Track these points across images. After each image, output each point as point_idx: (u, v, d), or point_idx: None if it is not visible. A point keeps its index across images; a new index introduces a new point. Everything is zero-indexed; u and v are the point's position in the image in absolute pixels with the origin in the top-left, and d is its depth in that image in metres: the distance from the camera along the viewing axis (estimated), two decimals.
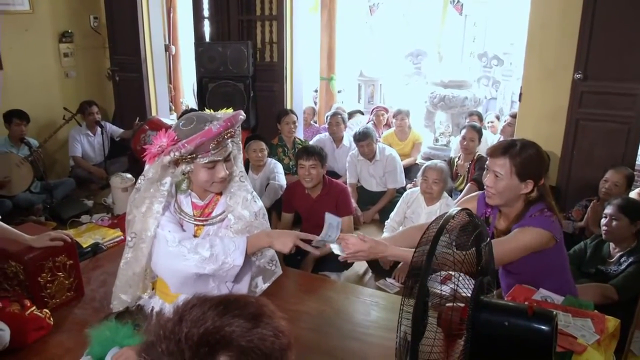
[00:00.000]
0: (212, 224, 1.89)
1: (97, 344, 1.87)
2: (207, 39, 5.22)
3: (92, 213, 4.55)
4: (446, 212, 1.24)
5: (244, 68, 4.67)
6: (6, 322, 2.21)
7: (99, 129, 5.30)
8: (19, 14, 5.10)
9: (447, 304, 1.29)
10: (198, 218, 1.88)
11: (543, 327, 1.15)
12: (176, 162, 1.73)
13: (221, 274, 1.80)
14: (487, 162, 2.06)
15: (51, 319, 2.36)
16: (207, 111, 1.82)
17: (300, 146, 4.74)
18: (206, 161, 1.70)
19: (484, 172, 2.18)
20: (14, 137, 4.72)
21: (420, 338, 1.16)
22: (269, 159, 4.12)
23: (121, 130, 5.54)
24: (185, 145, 1.63)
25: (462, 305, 1.28)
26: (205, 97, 4.80)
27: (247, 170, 4.14)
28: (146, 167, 1.76)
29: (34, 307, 2.35)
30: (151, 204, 1.82)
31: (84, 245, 3.35)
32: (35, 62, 5.33)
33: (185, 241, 1.80)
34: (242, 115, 1.78)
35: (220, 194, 1.89)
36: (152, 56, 5.70)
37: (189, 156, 1.70)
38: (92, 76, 5.93)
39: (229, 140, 1.76)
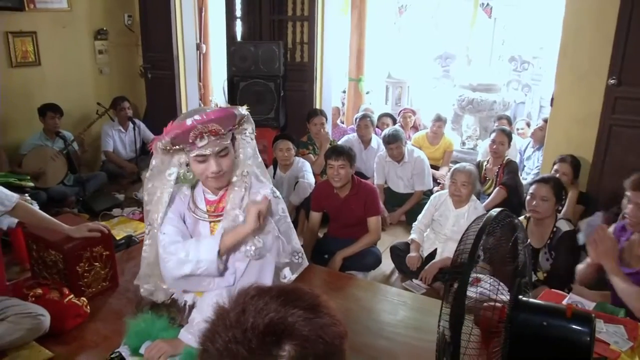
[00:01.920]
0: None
1: (134, 335, 1.92)
2: (239, 38, 5.29)
3: (123, 207, 4.65)
4: (487, 213, 1.25)
5: (275, 67, 4.71)
6: (46, 308, 2.29)
7: (131, 126, 5.39)
8: (57, 11, 5.23)
9: (485, 304, 1.30)
10: (212, 214, 1.90)
11: (582, 328, 1.15)
12: (169, 152, 1.79)
13: (203, 272, 1.80)
14: (628, 193, 2.30)
15: (88, 307, 2.44)
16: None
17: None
18: (195, 154, 1.73)
19: (624, 200, 2.47)
20: (49, 131, 4.83)
21: (454, 338, 1.18)
22: (297, 158, 4.16)
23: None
24: (164, 136, 1.71)
25: (500, 304, 1.29)
26: (236, 95, 4.86)
27: (275, 169, 4.21)
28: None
29: (72, 295, 2.43)
30: (162, 194, 1.90)
31: (117, 238, 3.44)
32: (71, 59, 5.46)
33: (170, 245, 1.83)
34: (236, 111, 1.75)
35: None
36: (183, 54, 5.79)
37: (176, 147, 1.75)
38: (125, 73, 6.05)
39: (223, 135, 1.71)
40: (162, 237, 1.86)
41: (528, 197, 3.09)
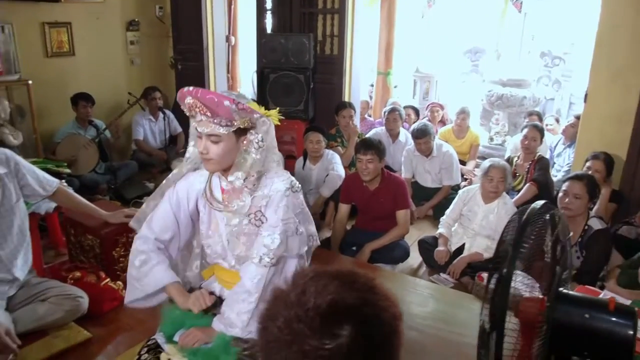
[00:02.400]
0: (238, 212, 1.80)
1: (169, 322, 1.93)
2: (269, 31, 5.31)
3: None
4: (530, 205, 1.25)
5: (305, 60, 4.72)
6: (84, 291, 2.36)
7: (161, 115, 5.48)
8: (91, 3, 5.33)
9: (525, 295, 1.31)
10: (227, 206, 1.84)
11: (625, 321, 1.15)
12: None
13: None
14: None
15: (123, 291, 2.49)
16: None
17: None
18: (194, 126, 1.73)
19: None
20: (81, 119, 4.93)
21: (497, 327, 1.18)
22: (327, 150, 4.17)
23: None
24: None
25: (540, 297, 1.29)
26: (266, 87, 4.89)
27: (305, 160, 4.23)
28: None
29: (108, 279, 2.50)
30: (179, 170, 1.95)
31: None
32: (104, 49, 5.55)
33: (139, 254, 1.90)
34: (233, 106, 1.63)
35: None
36: (213, 46, 5.84)
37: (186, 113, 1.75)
38: (155, 64, 6.13)
39: (215, 119, 1.66)
40: (145, 232, 1.91)
41: (560, 194, 3.06)
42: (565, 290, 1.26)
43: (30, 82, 4.28)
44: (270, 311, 0.78)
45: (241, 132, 1.73)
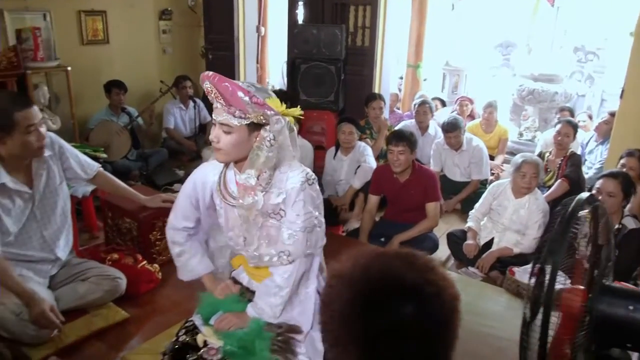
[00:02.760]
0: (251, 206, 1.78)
1: (206, 306, 1.98)
2: (300, 21, 5.32)
3: (184, 182, 4.79)
4: (576, 196, 1.25)
5: (336, 51, 4.73)
6: (122, 272, 2.43)
7: (191, 104, 5.54)
8: None
9: (567, 286, 1.31)
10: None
11: None
12: None
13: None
14: None
15: (160, 273, 2.56)
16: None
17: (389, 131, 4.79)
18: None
19: None
20: (114, 106, 5.02)
21: (543, 316, 1.19)
22: (359, 142, 4.18)
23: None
24: None
25: (582, 288, 1.30)
26: (297, 77, 4.90)
27: (336, 150, 4.25)
28: None
29: (145, 262, 2.56)
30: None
31: None
32: (137, 38, 5.64)
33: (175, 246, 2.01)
34: (246, 97, 1.61)
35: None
36: (244, 36, 5.86)
37: None
38: (186, 53, 6.20)
39: (228, 109, 1.64)
40: (172, 221, 1.99)
41: (594, 192, 3.02)
42: (608, 283, 1.27)
43: (69, 68, 4.37)
44: (334, 289, 0.80)
45: (255, 127, 1.70)
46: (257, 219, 1.81)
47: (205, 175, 1.92)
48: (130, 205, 2.65)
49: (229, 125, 1.66)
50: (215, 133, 1.71)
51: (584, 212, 1.31)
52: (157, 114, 5.72)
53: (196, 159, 5.38)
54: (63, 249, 2.36)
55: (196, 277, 2.02)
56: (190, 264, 2.00)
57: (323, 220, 1.88)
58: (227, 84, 1.62)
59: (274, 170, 1.77)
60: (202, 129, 5.72)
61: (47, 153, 2.24)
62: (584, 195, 1.26)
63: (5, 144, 2.04)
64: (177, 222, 1.97)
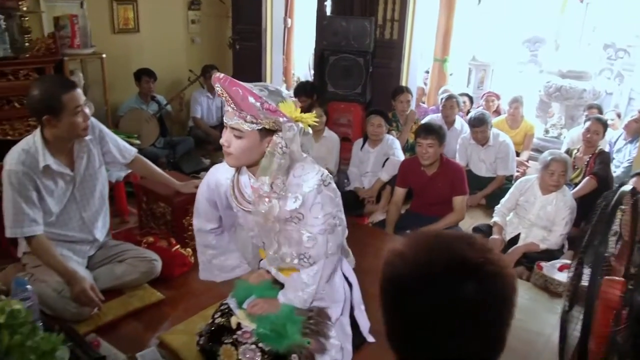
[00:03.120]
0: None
1: (241, 290, 2.04)
2: (328, 13, 5.33)
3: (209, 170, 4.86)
4: (618, 188, 1.27)
5: (365, 43, 4.73)
6: (157, 254, 2.49)
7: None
8: None
9: (606, 278, 1.33)
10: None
11: None
12: None
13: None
14: None
15: (192, 257, 2.62)
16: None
17: (413, 124, 4.80)
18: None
19: None
20: (144, 94, 5.10)
21: (586, 306, 1.21)
22: (387, 135, 4.19)
23: None
24: None
25: (620, 279, 1.31)
26: (325, 69, 4.92)
27: (364, 142, 4.27)
28: None
29: (179, 245, 2.61)
30: None
31: None
32: (167, 27, 5.70)
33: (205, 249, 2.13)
34: (259, 104, 1.59)
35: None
36: (271, 27, 5.91)
37: None
38: (214, 43, 6.25)
39: (239, 113, 1.62)
40: (197, 224, 2.06)
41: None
42: None
43: (104, 55, 4.46)
44: (396, 268, 0.83)
45: (267, 132, 1.67)
46: (274, 226, 1.81)
47: (218, 177, 1.94)
48: (165, 190, 2.71)
49: (240, 129, 1.64)
50: (226, 137, 1.68)
51: (624, 206, 1.32)
52: (185, 101, 5.81)
53: (221, 148, 5.44)
54: (101, 230, 2.44)
55: (233, 277, 2.10)
56: (225, 265, 2.09)
57: (343, 217, 1.88)
58: (237, 88, 1.58)
59: (288, 174, 1.74)
60: None
61: (88, 137, 2.30)
62: (627, 188, 1.27)
63: (55, 126, 2.11)
64: (204, 225, 2.03)
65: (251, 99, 1.58)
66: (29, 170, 2.12)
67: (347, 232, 1.94)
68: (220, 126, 5.62)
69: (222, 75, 1.61)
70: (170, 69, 5.69)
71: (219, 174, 1.93)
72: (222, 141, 1.70)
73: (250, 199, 1.80)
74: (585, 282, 1.41)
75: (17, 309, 0.85)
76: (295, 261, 1.86)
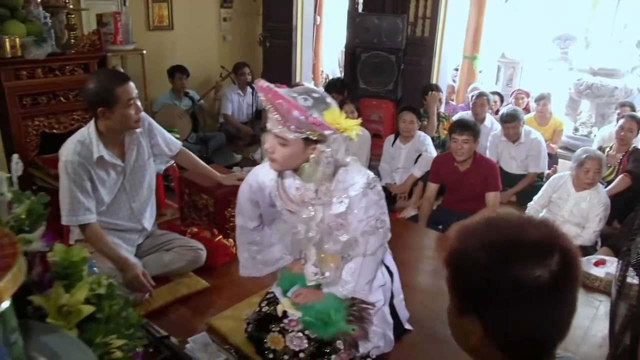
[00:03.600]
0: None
1: (285, 279, 2.11)
2: (360, 10, 5.37)
3: (242, 166, 4.96)
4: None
5: (397, 41, 4.76)
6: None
7: (249, 90, 5.69)
8: None
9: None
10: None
11: None
12: None
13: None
14: None
15: (234, 248, 2.68)
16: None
17: (444, 120, 4.82)
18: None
19: None
20: (177, 90, 5.21)
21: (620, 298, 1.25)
22: (419, 132, 4.23)
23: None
24: None
25: None
26: (357, 66, 4.97)
27: (395, 138, 4.31)
28: None
29: (221, 236, 2.69)
30: None
31: None
32: (200, 25, 5.82)
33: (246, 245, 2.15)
34: (302, 116, 1.58)
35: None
36: (302, 25, 5.97)
37: None
38: (245, 41, 6.36)
39: (284, 123, 1.62)
40: (239, 222, 2.10)
41: None
42: None
43: (144, 52, 4.58)
44: (472, 255, 0.88)
45: (311, 140, 1.68)
46: (314, 238, 1.86)
47: (262, 178, 1.96)
48: (207, 183, 2.79)
49: (284, 138, 1.65)
50: (270, 143, 1.69)
51: None
52: (214, 99, 5.93)
53: (252, 143, 5.54)
54: (149, 220, 2.53)
55: (276, 269, 2.15)
56: (269, 259, 2.13)
57: (387, 219, 1.90)
58: (282, 101, 1.58)
59: (332, 180, 1.77)
60: (259, 115, 5.86)
61: (138, 129, 2.39)
62: None
63: (109, 118, 2.20)
64: (247, 224, 2.08)
65: (295, 113, 1.58)
66: (84, 161, 2.21)
67: (390, 235, 1.96)
68: (250, 122, 5.73)
69: (265, 84, 1.61)
70: (203, 66, 5.80)
71: (262, 176, 1.95)
72: (266, 147, 1.72)
73: (295, 199, 1.84)
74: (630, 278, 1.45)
75: (112, 282, 0.92)
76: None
